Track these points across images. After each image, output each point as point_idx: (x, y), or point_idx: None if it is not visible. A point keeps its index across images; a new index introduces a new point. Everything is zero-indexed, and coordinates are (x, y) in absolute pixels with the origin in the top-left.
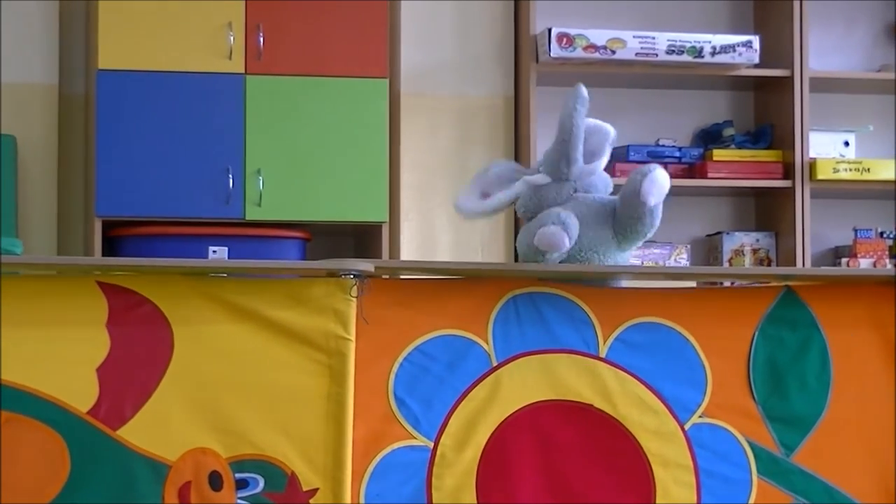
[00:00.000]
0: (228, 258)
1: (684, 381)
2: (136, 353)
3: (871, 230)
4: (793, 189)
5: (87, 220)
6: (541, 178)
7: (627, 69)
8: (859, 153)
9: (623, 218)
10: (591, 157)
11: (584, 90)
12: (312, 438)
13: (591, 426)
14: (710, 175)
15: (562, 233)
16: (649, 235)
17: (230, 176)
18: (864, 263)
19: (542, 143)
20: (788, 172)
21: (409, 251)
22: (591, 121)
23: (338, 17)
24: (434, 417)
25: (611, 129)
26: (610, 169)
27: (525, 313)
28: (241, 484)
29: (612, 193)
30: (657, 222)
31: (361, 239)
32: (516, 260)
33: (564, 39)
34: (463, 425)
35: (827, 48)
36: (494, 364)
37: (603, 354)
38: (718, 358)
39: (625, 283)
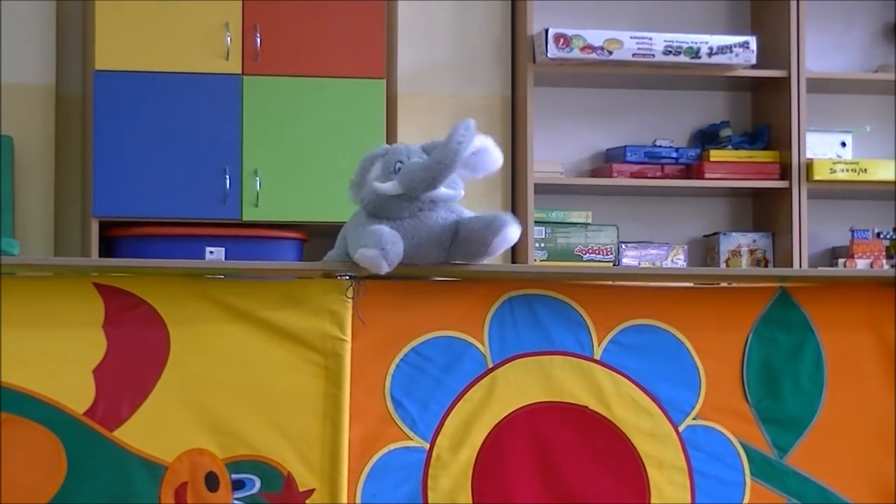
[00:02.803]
0: (225, 259)
1: (678, 382)
2: (133, 354)
3: (867, 231)
4: (790, 189)
5: (84, 221)
6: (392, 189)
7: (624, 70)
8: (856, 154)
9: (464, 251)
10: (471, 171)
11: (473, 124)
12: (309, 439)
13: (586, 428)
14: (706, 175)
15: (381, 259)
16: None
17: (227, 176)
18: (861, 264)
19: (539, 143)
20: (785, 173)
21: None
22: (487, 141)
23: (335, 17)
24: (430, 418)
25: (499, 159)
26: (608, 170)
27: (520, 315)
28: (238, 485)
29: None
30: None
31: None
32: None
33: (561, 40)
34: (459, 426)
35: (824, 48)
36: (490, 365)
37: (598, 356)
38: (712, 360)
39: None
